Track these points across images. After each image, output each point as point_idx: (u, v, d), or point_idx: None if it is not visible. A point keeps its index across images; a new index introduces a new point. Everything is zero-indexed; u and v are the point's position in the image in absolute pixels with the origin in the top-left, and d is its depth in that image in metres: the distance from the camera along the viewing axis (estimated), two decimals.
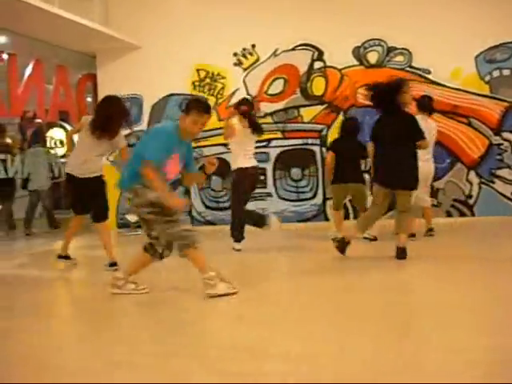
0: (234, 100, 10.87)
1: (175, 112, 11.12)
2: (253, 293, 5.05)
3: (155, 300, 4.94)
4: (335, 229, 8.34)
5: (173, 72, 11.01)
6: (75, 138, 7.23)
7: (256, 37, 10.86)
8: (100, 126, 6.30)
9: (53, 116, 11.33)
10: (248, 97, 9.28)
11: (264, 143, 10.64)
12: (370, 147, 7.01)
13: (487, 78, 10.34)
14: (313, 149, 10.76)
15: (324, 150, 10.51)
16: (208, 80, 11.14)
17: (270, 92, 10.92)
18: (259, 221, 7.79)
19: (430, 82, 10.38)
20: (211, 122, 10.56)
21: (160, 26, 11.12)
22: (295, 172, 10.83)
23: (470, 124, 10.22)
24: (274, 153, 10.84)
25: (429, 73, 10.39)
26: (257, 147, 10.58)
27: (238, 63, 11.03)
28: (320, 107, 10.67)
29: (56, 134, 14.29)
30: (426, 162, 7.59)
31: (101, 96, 11.46)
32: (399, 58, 10.51)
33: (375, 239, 7.88)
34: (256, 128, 7.74)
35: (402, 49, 10.46)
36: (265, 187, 10.76)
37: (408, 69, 10.48)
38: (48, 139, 13.96)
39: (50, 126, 14.01)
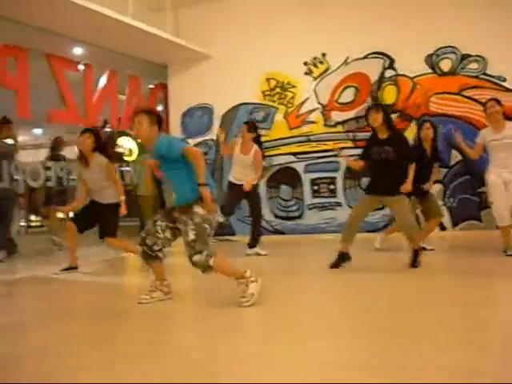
0: (304, 109, 10.95)
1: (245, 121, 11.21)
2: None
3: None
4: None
5: (243, 81, 11.12)
6: None
7: (326, 45, 10.86)
8: None
9: (124, 125, 11.53)
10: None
11: (335, 152, 10.60)
12: None
13: None
14: None
15: None
16: (278, 89, 11.17)
17: (340, 101, 10.86)
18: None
19: (506, 89, 10.12)
20: (282, 131, 10.97)
21: (230, 35, 11.24)
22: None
23: None
24: (344, 162, 10.74)
25: (504, 80, 10.13)
26: (326, 156, 10.74)
27: (309, 72, 11.03)
28: (391, 116, 10.51)
29: (126, 142, 14.55)
30: None
31: (172, 105, 11.74)
32: (473, 66, 10.29)
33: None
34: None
35: (476, 56, 10.23)
36: (335, 196, 10.71)
37: (482, 76, 10.26)
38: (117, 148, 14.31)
39: (119, 134, 14.32)
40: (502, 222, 7.43)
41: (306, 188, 11.05)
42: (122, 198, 7.41)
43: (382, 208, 10.55)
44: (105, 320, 4.70)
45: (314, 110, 10.91)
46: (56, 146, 10.61)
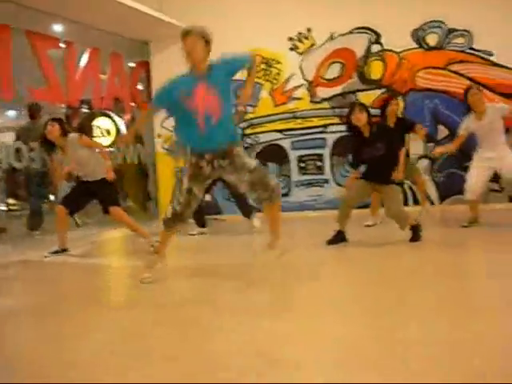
0: (290, 85, 10.84)
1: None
2: None
3: None
4: None
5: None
6: None
7: (312, 21, 10.71)
8: None
9: (108, 104, 11.32)
10: None
11: (320, 129, 10.53)
12: None
13: None
14: None
15: None
16: (263, 65, 11.01)
17: (326, 77, 10.76)
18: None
19: (492, 64, 10.09)
20: (267, 107, 10.85)
21: (213, 11, 11.00)
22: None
23: None
24: (330, 139, 10.69)
25: (491, 55, 10.09)
26: (313, 133, 10.66)
27: (294, 48, 10.89)
28: (378, 91, 10.45)
29: (103, 123, 14.35)
30: None
31: (154, 84, 11.53)
32: (459, 40, 10.24)
33: None
34: None
35: (463, 30, 10.17)
36: (322, 173, 10.63)
37: (468, 51, 10.21)
38: (95, 128, 14.11)
39: (96, 115, 14.13)
40: (469, 195, 7.66)
41: (293, 165, 10.95)
42: (108, 162, 7.29)
43: None
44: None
45: (299, 87, 10.79)
46: (33, 115, 10.12)
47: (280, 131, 10.94)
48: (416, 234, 6.59)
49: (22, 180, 10.66)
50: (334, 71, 10.71)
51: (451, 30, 10.24)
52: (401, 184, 7.20)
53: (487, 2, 9.94)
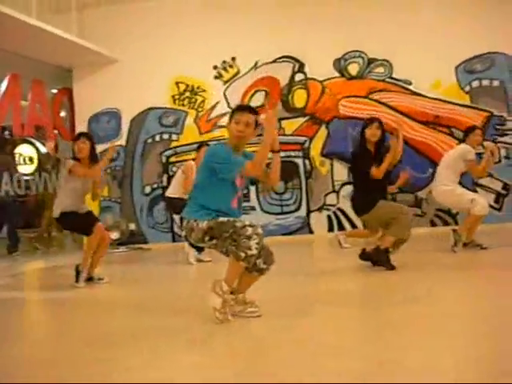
0: (215, 113, 10.86)
1: (154, 126, 11.02)
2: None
3: None
4: None
5: (152, 85, 10.89)
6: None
7: (236, 49, 10.79)
8: None
9: (29, 131, 11.06)
10: None
11: None
12: None
13: (467, 89, 10.39)
14: (295, 161, 10.68)
15: (307, 162, 10.59)
16: (188, 93, 11.01)
17: (251, 105, 10.82)
18: None
19: (412, 93, 10.40)
20: (192, 135, 10.82)
21: (137, 38, 10.95)
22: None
23: (451, 134, 10.24)
24: None
25: (410, 84, 10.40)
26: None
27: (219, 76, 10.94)
28: (302, 119, 10.59)
29: (25, 150, 14.04)
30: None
31: (78, 111, 11.35)
32: (380, 70, 10.52)
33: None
34: None
35: (383, 60, 10.46)
36: (248, 201, 10.64)
37: (389, 80, 10.50)
38: (17, 156, 13.80)
39: (19, 142, 13.84)
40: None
41: None
42: None
43: (296, 210, 10.64)
44: None
45: (225, 114, 10.80)
46: None
47: None
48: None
49: None
50: (258, 99, 10.77)
51: (371, 60, 10.51)
52: None
53: (405, 32, 10.23)
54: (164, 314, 4.87)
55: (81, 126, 11.13)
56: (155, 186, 11.02)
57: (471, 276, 6.11)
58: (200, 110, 10.99)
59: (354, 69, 10.60)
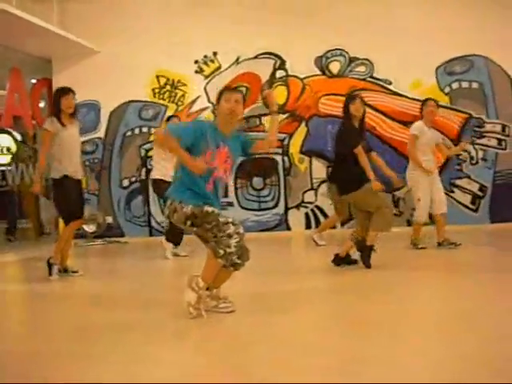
0: (195, 108, 10.82)
1: (134, 119, 10.95)
2: None
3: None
4: None
5: (132, 78, 10.81)
6: None
7: (218, 44, 10.76)
8: None
9: (7, 121, 10.94)
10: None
11: None
12: None
13: (447, 90, 10.47)
14: (275, 158, 10.67)
15: (286, 158, 10.61)
16: (168, 87, 10.95)
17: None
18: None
19: (392, 92, 10.44)
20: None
21: (119, 31, 10.86)
22: (257, 181, 10.75)
23: None
24: None
25: (390, 83, 10.45)
26: None
27: (199, 70, 10.89)
28: (282, 116, 10.57)
29: (2, 140, 13.87)
30: None
31: None
32: (361, 69, 10.55)
33: None
34: None
35: (364, 59, 10.50)
36: (226, 196, 10.61)
37: (369, 79, 10.53)
38: None
39: None
40: None
41: None
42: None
43: (275, 207, 10.65)
44: None
45: (205, 109, 10.78)
46: None
47: None
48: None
49: None
50: None
51: (353, 59, 10.54)
52: None
53: (387, 32, 10.27)
54: (139, 308, 4.87)
55: None
56: (133, 179, 10.95)
57: (445, 275, 6.18)
58: (180, 104, 10.94)
59: (335, 67, 10.62)
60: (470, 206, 10.37)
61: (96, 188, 10.60)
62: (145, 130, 10.97)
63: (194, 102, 10.89)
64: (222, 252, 4.15)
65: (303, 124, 10.59)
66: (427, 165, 7.69)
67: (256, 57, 10.75)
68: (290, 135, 10.65)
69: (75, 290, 6.20)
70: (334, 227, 9.56)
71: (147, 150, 10.87)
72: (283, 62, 10.72)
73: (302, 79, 10.67)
